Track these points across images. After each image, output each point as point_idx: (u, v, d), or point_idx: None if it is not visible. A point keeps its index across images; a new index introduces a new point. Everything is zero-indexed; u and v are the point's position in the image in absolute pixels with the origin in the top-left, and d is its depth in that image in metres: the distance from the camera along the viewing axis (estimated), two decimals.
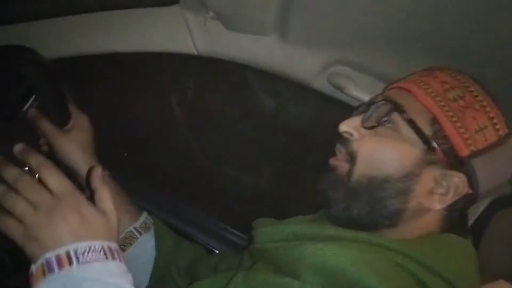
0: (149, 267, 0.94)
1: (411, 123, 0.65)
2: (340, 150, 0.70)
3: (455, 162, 0.64)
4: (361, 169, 0.66)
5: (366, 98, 0.93)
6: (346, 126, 0.69)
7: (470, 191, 0.65)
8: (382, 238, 0.63)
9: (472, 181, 0.64)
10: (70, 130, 0.90)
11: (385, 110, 0.67)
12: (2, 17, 0.98)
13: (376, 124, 0.67)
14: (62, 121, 0.91)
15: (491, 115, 0.65)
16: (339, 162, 0.70)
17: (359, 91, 0.93)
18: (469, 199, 0.67)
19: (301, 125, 1.25)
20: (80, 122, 0.92)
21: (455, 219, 0.68)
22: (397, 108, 0.66)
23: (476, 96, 0.66)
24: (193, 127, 1.36)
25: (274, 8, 0.84)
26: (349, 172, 0.67)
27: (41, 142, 0.91)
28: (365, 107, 0.73)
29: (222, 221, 1.24)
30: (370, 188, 0.65)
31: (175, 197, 1.27)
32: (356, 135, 0.68)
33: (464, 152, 0.63)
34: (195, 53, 1.00)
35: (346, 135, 0.69)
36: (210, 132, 1.36)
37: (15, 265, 0.93)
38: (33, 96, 0.90)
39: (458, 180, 0.64)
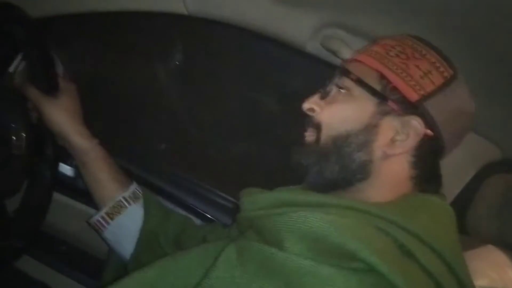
0: (137, 236, 0.95)
1: (359, 81, 0.71)
2: (307, 127, 0.76)
3: (409, 107, 0.70)
4: (326, 133, 0.72)
5: None
6: (308, 104, 0.76)
7: (431, 133, 0.70)
8: (364, 203, 0.66)
9: (429, 122, 0.70)
10: (58, 98, 0.90)
11: (335, 77, 0.75)
12: None
13: (329, 91, 0.75)
14: (50, 86, 0.89)
15: (432, 60, 0.71)
16: (308, 133, 0.76)
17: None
18: (434, 143, 0.72)
19: (293, 89, 1.23)
20: (68, 90, 0.93)
21: (425, 167, 0.72)
22: (344, 72, 0.74)
23: (415, 47, 0.72)
24: (182, 92, 1.34)
25: None
26: (317, 139, 0.73)
27: (29, 106, 0.89)
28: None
29: (216, 187, 1.23)
30: (336, 147, 0.71)
31: (167, 163, 1.26)
32: (317, 109, 0.75)
33: (414, 96, 0.69)
34: (186, 13, 0.97)
35: (310, 112, 0.76)
36: (200, 97, 1.34)
37: None
38: (20, 56, 0.88)
39: (414, 122, 0.69)
